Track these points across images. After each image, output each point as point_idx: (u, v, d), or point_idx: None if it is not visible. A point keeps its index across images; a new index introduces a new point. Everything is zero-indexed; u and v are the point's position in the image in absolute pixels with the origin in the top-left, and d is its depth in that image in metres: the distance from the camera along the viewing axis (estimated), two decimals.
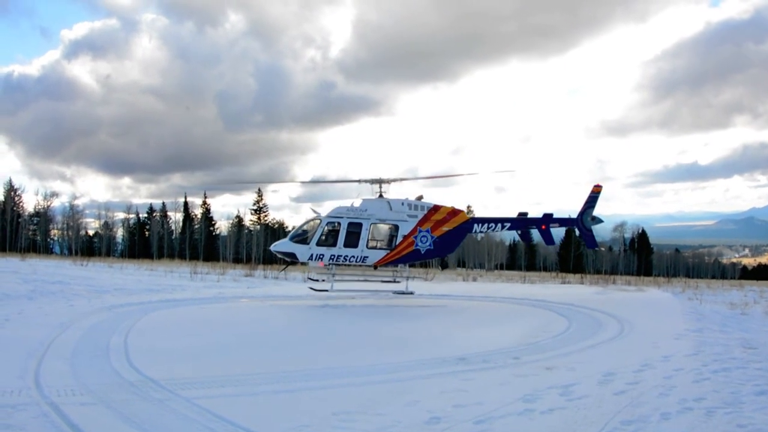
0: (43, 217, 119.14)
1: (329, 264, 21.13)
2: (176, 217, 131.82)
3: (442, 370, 12.74)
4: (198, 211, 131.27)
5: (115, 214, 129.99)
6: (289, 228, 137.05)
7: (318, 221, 21.13)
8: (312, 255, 20.73)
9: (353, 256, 20.26)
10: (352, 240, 20.27)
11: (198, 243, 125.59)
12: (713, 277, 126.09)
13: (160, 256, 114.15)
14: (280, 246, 21.58)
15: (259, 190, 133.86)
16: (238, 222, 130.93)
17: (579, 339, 17.16)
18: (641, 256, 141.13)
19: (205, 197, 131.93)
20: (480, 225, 20.75)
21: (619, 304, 25.66)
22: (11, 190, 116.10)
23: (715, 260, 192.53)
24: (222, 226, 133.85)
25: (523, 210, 22.23)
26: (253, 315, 22.28)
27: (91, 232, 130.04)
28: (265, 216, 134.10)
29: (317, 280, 22.08)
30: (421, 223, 20.33)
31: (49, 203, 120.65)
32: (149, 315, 21.19)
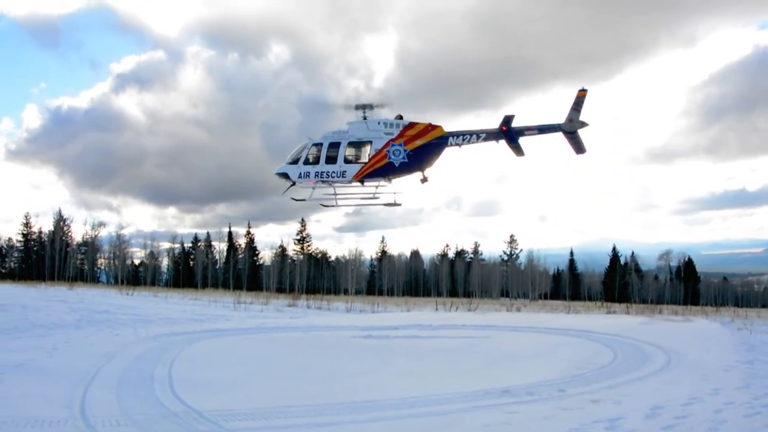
0: (90, 246, 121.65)
1: (316, 181, 22.12)
2: (220, 246, 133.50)
3: (486, 403, 12.55)
4: (242, 241, 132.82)
5: (161, 243, 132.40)
6: (332, 258, 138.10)
7: (306, 144, 22.43)
8: (300, 173, 21.94)
9: (333, 172, 21.44)
10: (332, 158, 21.46)
11: (242, 272, 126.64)
12: (763, 306, 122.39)
13: (205, 286, 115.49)
14: (278, 169, 22.83)
15: (303, 220, 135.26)
16: (282, 252, 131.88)
17: (625, 371, 16.76)
18: (688, 285, 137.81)
19: (249, 227, 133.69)
20: (455, 138, 20.91)
21: (665, 335, 25.11)
22: (60, 220, 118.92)
23: (765, 289, 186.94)
24: (265, 255, 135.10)
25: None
26: (297, 346, 22.30)
27: (136, 262, 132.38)
28: (308, 246, 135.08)
29: (301, 199, 23.27)
30: (395, 138, 21.14)
31: (96, 233, 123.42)
32: (193, 345, 21.34)
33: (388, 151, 21.15)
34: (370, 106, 21.99)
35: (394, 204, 22.24)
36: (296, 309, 49.02)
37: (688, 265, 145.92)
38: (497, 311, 52.19)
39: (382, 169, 21.25)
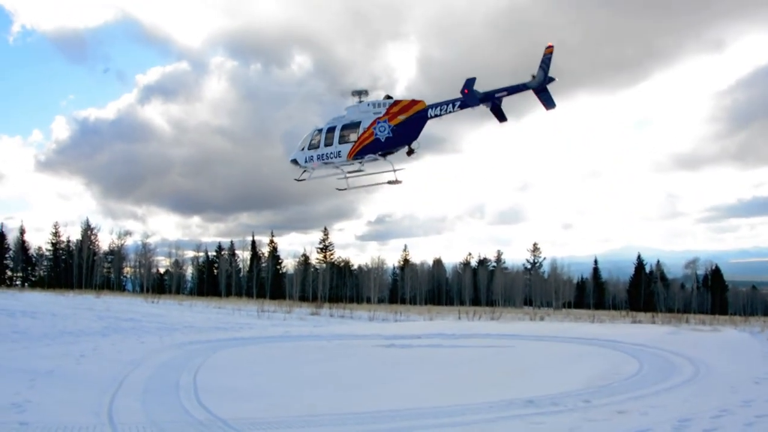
0: (116, 255, 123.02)
1: (319, 163, 23.55)
2: (244, 255, 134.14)
3: (510, 413, 12.50)
4: (265, 250, 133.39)
5: (185, 252, 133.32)
6: (355, 266, 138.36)
7: (312, 132, 23.96)
8: (306, 158, 23.54)
9: (331, 153, 22.84)
10: (329, 140, 22.84)
11: (265, 281, 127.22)
12: None
13: (228, 294, 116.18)
14: (291, 156, 24.47)
15: (325, 228, 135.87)
16: (305, 260, 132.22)
17: (652, 382, 16.56)
18: (715, 294, 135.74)
19: (272, 236, 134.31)
20: (434, 109, 21.42)
21: (693, 345, 24.76)
22: (88, 230, 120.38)
23: None
24: (288, 264, 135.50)
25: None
26: (319, 355, 22.35)
27: (161, 270, 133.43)
28: (331, 254, 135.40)
29: (302, 179, 24.67)
30: (381, 116, 22.13)
31: (122, 242, 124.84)
32: (218, 353, 21.49)
33: (375, 129, 22.10)
34: (366, 92, 23.11)
35: (396, 182, 23.11)
36: (319, 317, 49.13)
37: (716, 273, 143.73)
38: (520, 320, 51.90)
39: (370, 146, 22.15)
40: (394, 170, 22.82)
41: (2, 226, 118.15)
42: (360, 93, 23.09)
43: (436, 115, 21.44)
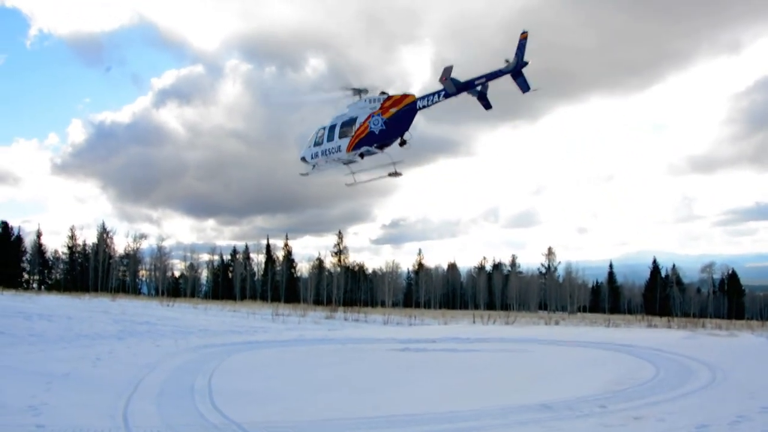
0: (132, 258, 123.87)
1: (323, 157, 24.52)
2: (258, 258, 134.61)
3: (526, 418, 12.43)
4: (280, 253, 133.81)
5: (200, 255, 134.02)
6: (369, 270, 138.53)
7: (317, 130, 24.98)
8: (311, 154, 24.57)
9: (332, 147, 23.86)
10: (331, 136, 23.86)
11: (279, 284, 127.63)
12: None
13: (243, 298, 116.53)
14: (300, 154, 25.37)
15: (340, 232, 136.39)
16: (319, 264, 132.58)
17: (668, 387, 16.41)
18: (732, 298, 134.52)
19: (287, 239, 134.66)
20: (422, 100, 22.14)
21: (710, 350, 24.53)
22: (103, 233, 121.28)
23: None
24: (303, 268, 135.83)
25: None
26: (334, 358, 22.35)
27: (176, 273, 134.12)
28: (346, 258, 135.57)
29: (305, 173, 25.76)
30: (375, 111, 22.95)
31: (138, 245, 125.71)
32: (232, 357, 21.53)
33: (369, 123, 22.88)
34: (365, 90, 23.87)
35: (396, 174, 23.97)
36: (334, 321, 49.19)
37: (732, 277, 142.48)
38: (535, 324, 51.67)
39: (366, 139, 22.93)
40: (394, 163, 23.69)
41: (19, 229, 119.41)
42: (360, 91, 23.97)
43: (424, 106, 22.19)
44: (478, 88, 21.30)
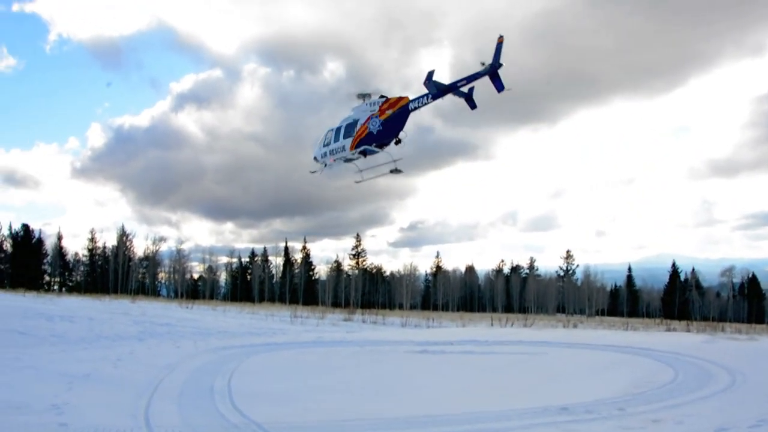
0: (151, 260, 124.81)
1: (330, 156, 26.03)
2: (277, 261, 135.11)
3: (544, 420, 12.42)
4: (298, 256, 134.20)
5: (219, 258, 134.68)
6: (387, 273, 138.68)
7: (325, 132, 26.76)
8: (321, 154, 26.21)
9: (338, 147, 25.37)
10: (337, 137, 25.42)
11: (298, 287, 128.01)
12: None
13: (261, 300, 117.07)
14: (313, 154, 27.05)
15: (358, 235, 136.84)
16: (337, 267, 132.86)
17: (687, 390, 16.31)
18: (752, 302, 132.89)
19: (305, 242, 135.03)
20: (413, 102, 23.45)
21: (729, 354, 24.33)
22: (123, 236, 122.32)
23: None
24: (321, 270, 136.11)
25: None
26: (353, 360, 22.42)
27: (195, 276, 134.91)
28: (363, 261, 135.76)
29: (315, 171, 27.33)
30: (374, 113, 24.32)
31: (157, 248, 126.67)
32: (251, 358, 21.65)
33: (369, 124, 24.36)
34: (369, 95, 25.24)
35: (397, 170, 25.17)
36: (352, 323, 49.26)
37: (752, 281, 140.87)
38: (553, 327, 51.47)
39: (365, 138, 24.37)
40: (394, 161, 24.94)
41: (40, 232, 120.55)
42: (364, 96, 25.41)
43: (415, 108, 23.49)
44: (463, 89, 22.46)
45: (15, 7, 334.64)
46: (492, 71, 21.38)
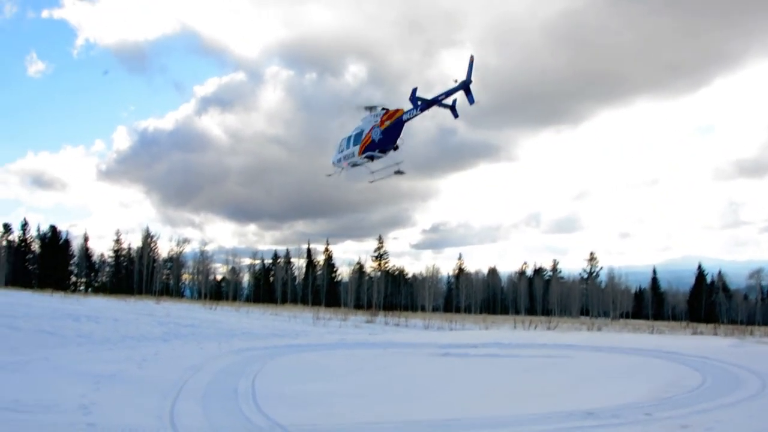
0: (175, 262, 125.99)
1: (345, 161, 28.41)
2: (299, 263, 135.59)
3: (569, 425, 12.30)
4: (320, 258, 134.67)
5: (242, 259, 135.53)
6: (409, 275, 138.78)
7: (340, 140, 29.05)
8: (337, 159, 28.82)
9: (349, 153, 27.95)
10: (349, 144, 28.02)
11: (320, 289, 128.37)
12: None
13: (284, 301, 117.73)
14: (331, 159, 29.47)
15: (380, 236, 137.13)
16: (359, 268, 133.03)
17: (716, 396, 16.06)
18: None
19: (328, 244, 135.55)
20: (406, 114, 25.58)
21: (758, 359, 23.97)
22: (148, 237, 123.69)
23: None
24: (343, 272, 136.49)
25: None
26: (376, 363, 22.40)
27: (219, 277, 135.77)
28: (386, 263, 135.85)
29: (330, 174, 29.72)
30: (377, 123, 26.79)
31: (181, 249, 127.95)
32: (275, 359, 21.73)
33: (372, 133, 26.91)
34: (375, 107, 27.43)
35: (400, 172, 27.41)
36: (374, 325, 49.26)
37: None
38: (577, 330, 51.12)
39: (370, 145, 26.87)
40: (397, 163, 27.21)
41: (67, 233, 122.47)
42: (371, 108, 27.71)
43: (408, 119, 25.77)
44: (446, 102, 24.64)
45: (44, 14, 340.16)
46: (464, 87, 23.60)
